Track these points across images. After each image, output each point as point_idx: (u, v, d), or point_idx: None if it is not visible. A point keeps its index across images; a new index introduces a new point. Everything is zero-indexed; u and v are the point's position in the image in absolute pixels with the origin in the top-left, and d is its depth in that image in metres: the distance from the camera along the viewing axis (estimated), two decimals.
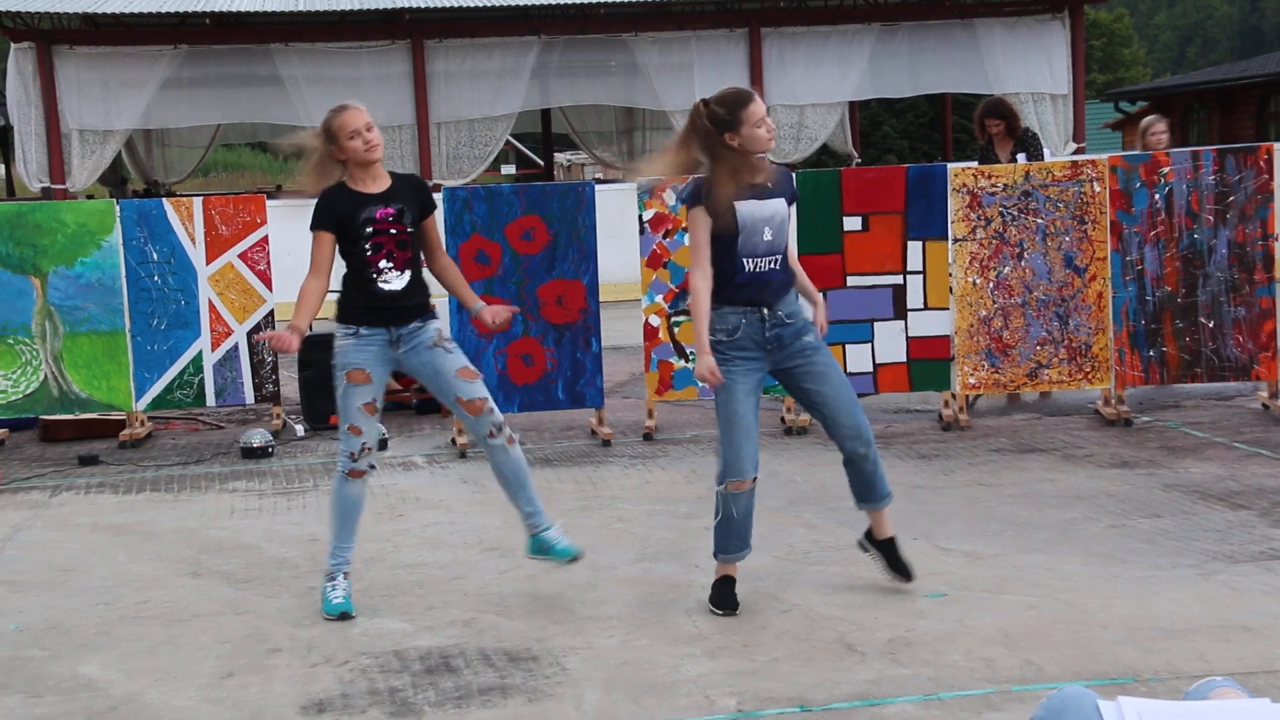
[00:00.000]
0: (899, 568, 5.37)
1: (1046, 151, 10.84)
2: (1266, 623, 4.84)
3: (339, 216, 5.34)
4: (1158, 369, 8.57)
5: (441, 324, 5.52)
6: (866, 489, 5.37)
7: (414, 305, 5.39)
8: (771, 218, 5.11)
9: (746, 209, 5.06)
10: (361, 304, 5.34)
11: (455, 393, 5.39)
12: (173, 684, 4.69)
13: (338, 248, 5.38)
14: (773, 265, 5.13)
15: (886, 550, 5.40)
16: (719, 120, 5.04)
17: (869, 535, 5.46)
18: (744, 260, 5.08)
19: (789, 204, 5.22)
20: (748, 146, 5.04)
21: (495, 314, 5.55)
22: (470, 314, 5.60)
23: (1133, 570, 5.53)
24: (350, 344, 5.34)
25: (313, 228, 5.38)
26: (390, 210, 5.34)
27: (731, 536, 5.22)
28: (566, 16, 20.10)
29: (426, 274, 5.54)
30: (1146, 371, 8.57)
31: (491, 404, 5.42)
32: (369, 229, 5.31)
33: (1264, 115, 29.17)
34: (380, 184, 5.40)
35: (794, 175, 5.34)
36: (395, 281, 5.34)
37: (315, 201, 5.39)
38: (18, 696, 4.63)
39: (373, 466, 5.43)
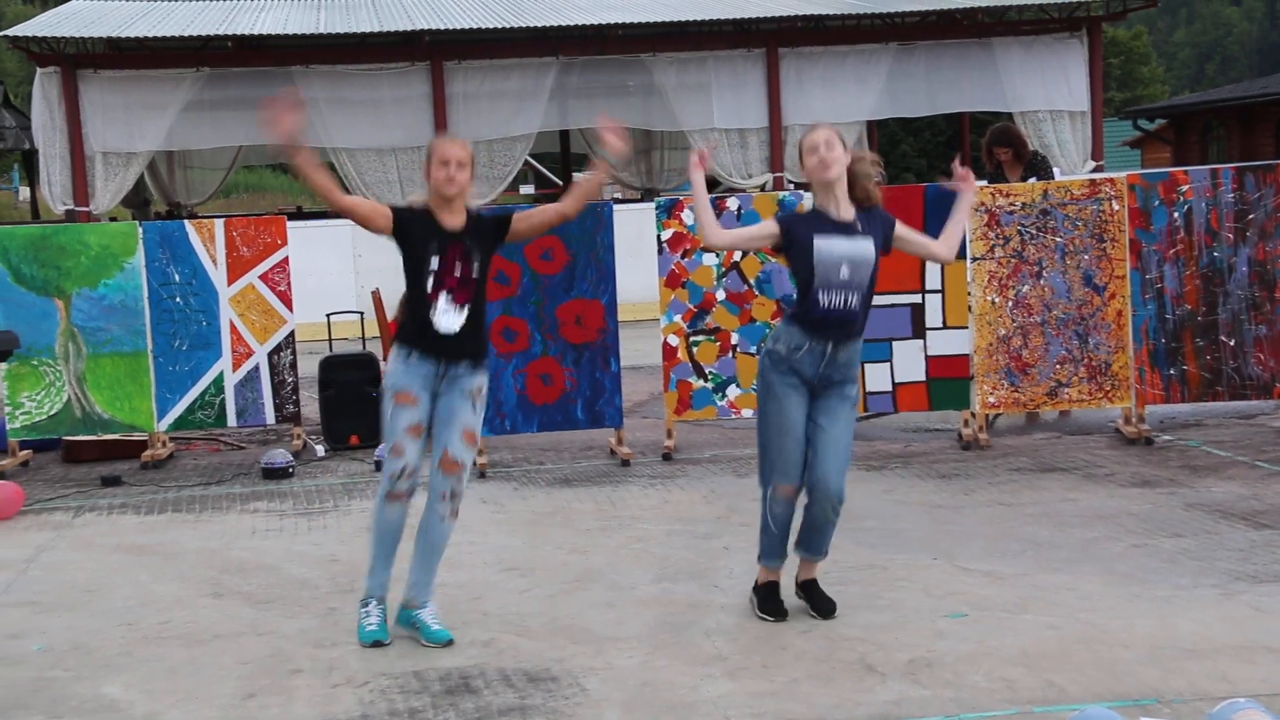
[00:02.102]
0: (820, 606, 5.38)
1: (1056, 171, 10.82)
2: None
3: (410, 229, 5.31)
4: (1178, 387, 8.53)
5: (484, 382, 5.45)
6: (812, 539, 5.40)
7: (468, 349, 5.34)
8: (853, 258, 5.20)
9: (823, 244, 5.20)
10: (416, 332, 5.30)
11: (447, 444, 5.29)
12: (194, 705, 4.69)
13: (403, 264, 5.35)
14: (848, 301, 5.22)
15: (808, 590, 5.45)
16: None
17: (796, 581, 5.49)
18: (820, 294, 5.21)
19: (879, 244, 5.31)
20: (808, 174, 5.28)
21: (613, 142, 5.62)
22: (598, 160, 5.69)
23: (1155, 590, 5.49)
24: (401, 366, 5.30)
25: (391, 205, 5.38)
26: (460, 248, 5.31)
27: (778, 541, 5.34)
28: (585, 37, 20.14)
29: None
30: (1167, 390, 8.53)
31: (464, 474, 5.33)
32: (434, 263, 5.27)
33: None
34: (456, 221, 5.35)
35: (889, 218, 5.43)
36: (452, 321, 5.28)
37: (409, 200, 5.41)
38: (41, 718, 4.64)
39: (414, 489, 5.32)
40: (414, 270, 5.30)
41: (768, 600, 5.36)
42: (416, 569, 5.36)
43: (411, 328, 5.32)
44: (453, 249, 5.29)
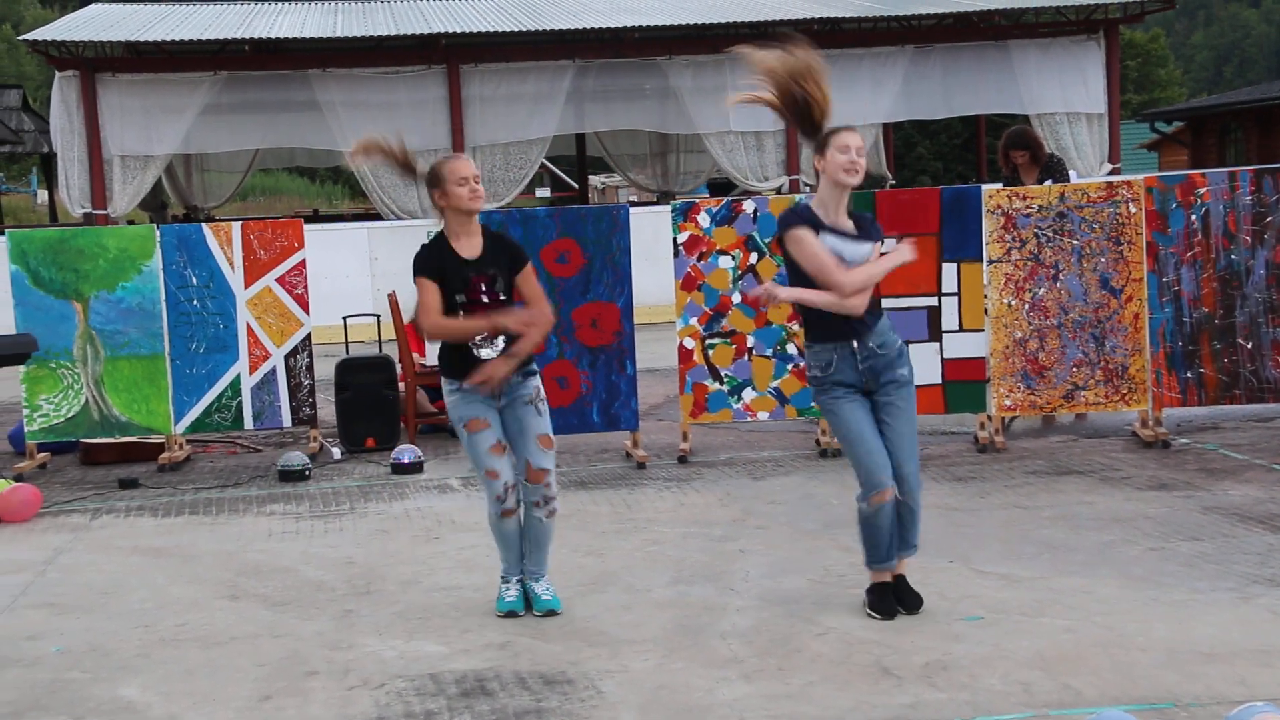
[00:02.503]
0: (907, 602, 5.39)
1: (1073, 174, 10.80)
2: None
3: (443, 269, 5.39)
4: (1195, 390, 8.50)
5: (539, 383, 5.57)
6: (904, 530, 5.39)
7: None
8: (855, 259, 5.23)
9: (834, 244, 5.21)
10: (460, 358, 5.41)
11: (527, 456, 5.47)
12: (211, 706, 4.70)
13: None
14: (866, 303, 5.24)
15: (896, 586, 5.42)
16: (818, 139, 5.34)
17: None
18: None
19: (876, 243, 5.36)
20: (831, 171, 5.25)
21: (494, 370, 5.38)
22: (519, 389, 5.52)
23: (1172, 593, 5.47)
24: (459, 398, 5.43)
25: (417, 275, 5.41)
26: (485, 277, 5.41)
27: (879, 546, 5.33)
28: (601, 41, 20.17)
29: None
30: (1184, 393, 8.50)
31: (551, 479, 5.52)
32: (460, 298, 5.38)
33: None
34: (474, 246, 5.44)
35: (877, 225, 5.49)
36: (489, 349, 5.38)
37: (421, 256, 5.44)
38: (60, 718, 4.65)
39: (519, 503, 5.51)
40: (446, 305, 5.40)
41: (879, 601, 5.34)
42: (531, 561, 5.63)
43: (457, 361, 5.41)
44: (478, 279, 5.40)
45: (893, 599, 5.36)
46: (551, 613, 5.52)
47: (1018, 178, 9.50)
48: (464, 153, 5.43)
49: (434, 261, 5.41)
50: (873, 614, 5.32)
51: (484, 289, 5.41)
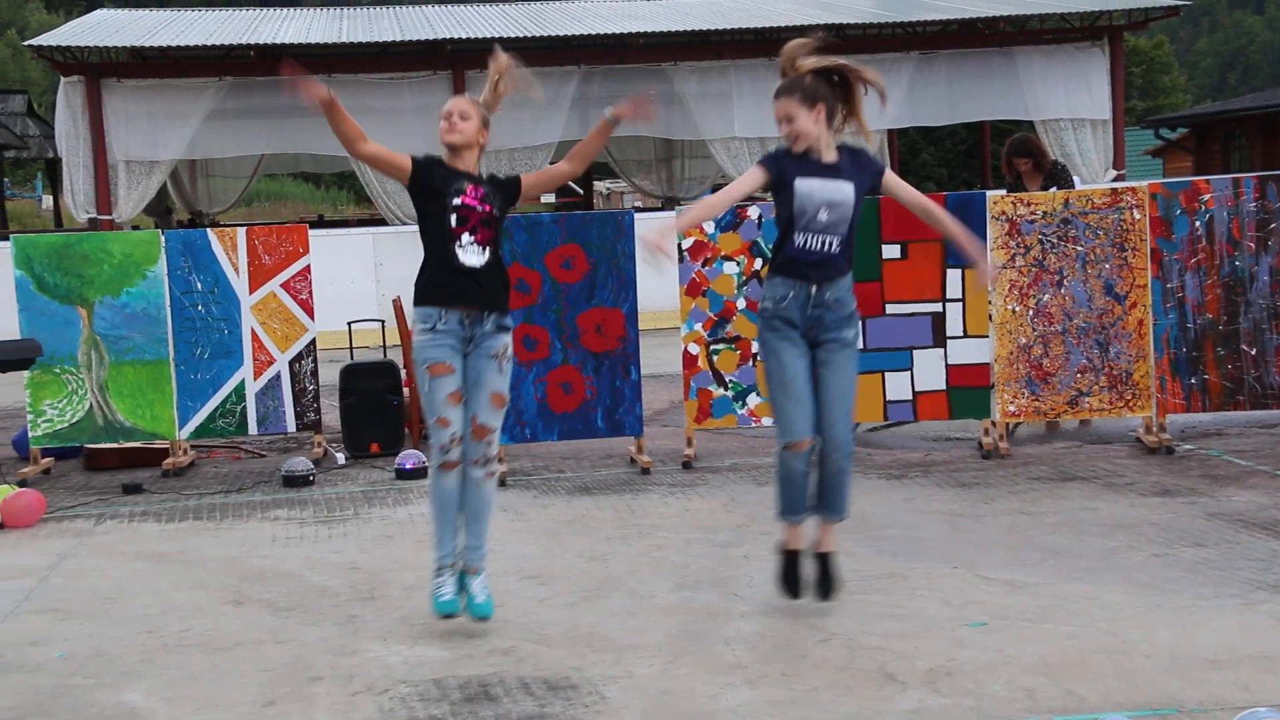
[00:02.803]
0: (825, 584, 5.49)
1: (1076, 180, 10.80)
2: None
3: (430, 175, 5.41)
4: (1199, 396, 8.50)
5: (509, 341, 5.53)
6: (827, 496, 5.47)
7: (493, 292, 5.40)
8: (832, 200, 5.25)
9: (804, 186, 5.25)
10: (440, 279, 5.35)
11: (475, 410, 5.41)
12: (215, 712, 4.70)
13: (419, 220, 5.46)
14: (826, 245, 5.26)
15: (821, 562, 5.51)
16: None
17: (814, 549, 5.58)
18: (796, 235, 5.27)
19: (862, 188, 5.34)
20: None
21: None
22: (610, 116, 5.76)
23: (1176, 600, 5.47)
24: (429, 339, 5.35)
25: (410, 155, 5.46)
26: (481, 190, 5.43)
27: (793, 494, 5.39)
28: (606, 46, 20.20)
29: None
30: (1188, 399, 8.50)
31: (494, 438, 5.45)
32: (456, 199, 5.36)
33: None
34: (472, 168, 5.50)
35: (878, 167, 5.48)
36: (475, 257, 5.36)
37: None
38: None
39: (461, 459, 5.39)
40: (435, 211, 5.37)
41: (786, 571, 5.44)
42: (467, 534, 5.50)
43: (435, 276, 5.35)
44: (474, 187, 5.41)
45: (798, 571, 5.41)
46: (483, 619, 5.39)
47: (1021, 185, 9.50)
48: (460, 97, 5.42)
49: (425, 159, 5.46)
50: (780, 585, 5.42)
51: (480, 197, 5.40)
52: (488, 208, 5.42)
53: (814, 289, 5.29)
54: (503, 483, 8.29)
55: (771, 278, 5.38)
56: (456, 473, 5.41)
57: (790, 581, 5.46)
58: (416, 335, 5.41)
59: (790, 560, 5.48)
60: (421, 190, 5.42)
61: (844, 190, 5.28)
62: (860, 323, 5.52)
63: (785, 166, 5.32)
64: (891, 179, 5.50)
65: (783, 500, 5.46)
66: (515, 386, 8.51)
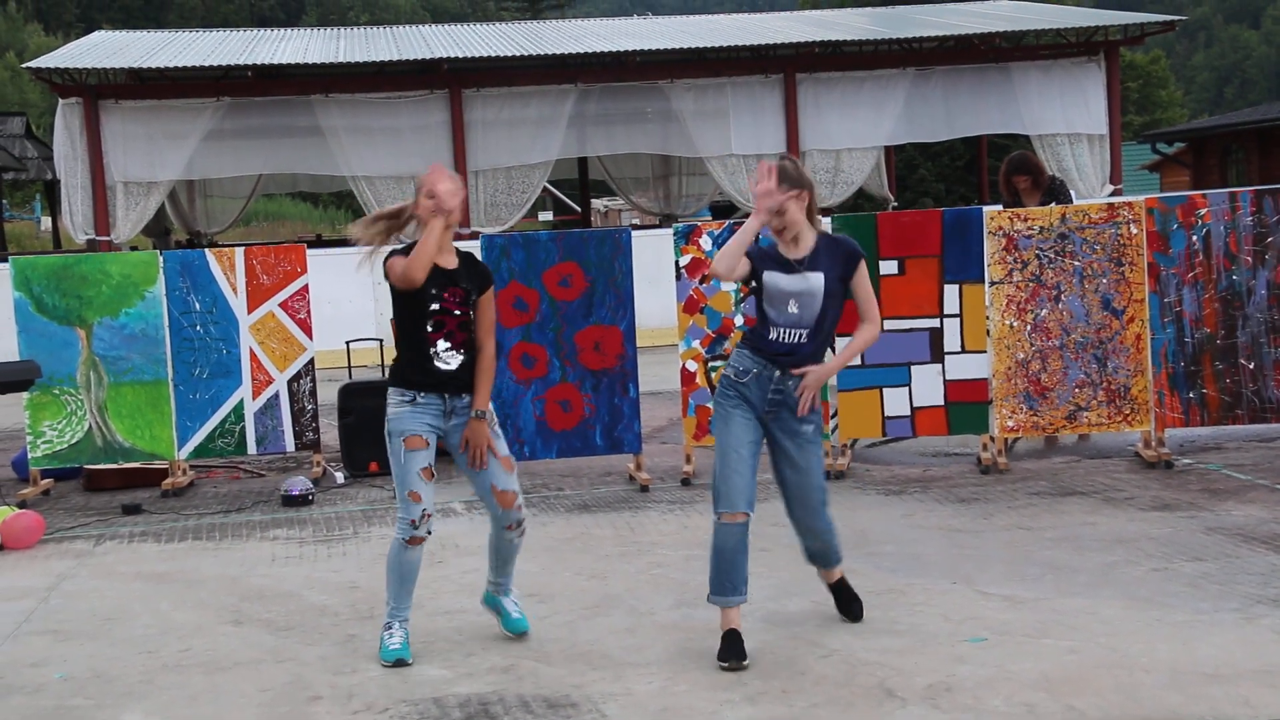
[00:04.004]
0: (846, 608, 5.62)
1: (1074, 196, 10.82)
2: None
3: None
4: (1198, 411, 8.51)
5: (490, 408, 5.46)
6: (818, 560, 5.61)
7: (468, 382, 5.37)
8: (799, 293, 5.23)
9: (771, 279, 5.26)
10: (417, 376, 5.32)
11: (493, 480, 5.40)
12: None
13: (395, 309, 5.37)
14: (797, 338, 5.25)
15: (835, 591, 5.64)
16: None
17: (825, 583, 5.71)
18: (770, 327, 5.28)
19: (834, 279, 5.24)
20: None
21: (475, 442, 5.37)
22: (471, 411, 5.39)
23: (1175, 614, 5.47)
24: (406, 410, 5.30)
25: (390, 253, 5.32)
26: (459, 292, 5.32)
27: (721, 572, 5.21)
28: (603, 65, 20.26)
29: None
30: (1186, 413, 8.51)
31: (521, 499, 5.49)
32: (435, 305, 5.28)
33: None
34: (449, 260, 5.36)
35: (852, 252, 5.34)
36: (452, 361, 5.32)
37: (392, 250, 5.37)
38: None
39: (430, 533, 5.37)
40: (414, 311, 5.30)
41: (726, 646, 5.11)
42: (499, 574, 5.62)
43: (413, 373, 5.32)
44: (452, 291, 5.32)
45: (741, 645, 5.10)
46: (523, 634, 5.53)
47: (1019, 202, 9.50)
48: (451, 173, 5.22)
49: (404, 254, 5.28)
50: (721, 664, 5.06)
51: (459, 300, 5.31)
52: (465, 310, 5.34)
53: (776, 375, 5.26)
54: None
55: (740, 348, 5.36)
56: (421, 549, 5.36)
57: (732, 653, 5.09)
58: (393, 406, 5.33)
59: (727, 639, 5.15)
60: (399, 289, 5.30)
61: (812, 283, 5.23)
62: (825, 407, 5.52)
63: (760, 260, 5.29)
64: (859, 277, 5.34)
65: (713, 576, 5.24)
66: (514, 404, 8.53)
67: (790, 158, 5.41)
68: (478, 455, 5.36)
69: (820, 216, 5.47)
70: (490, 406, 5.43)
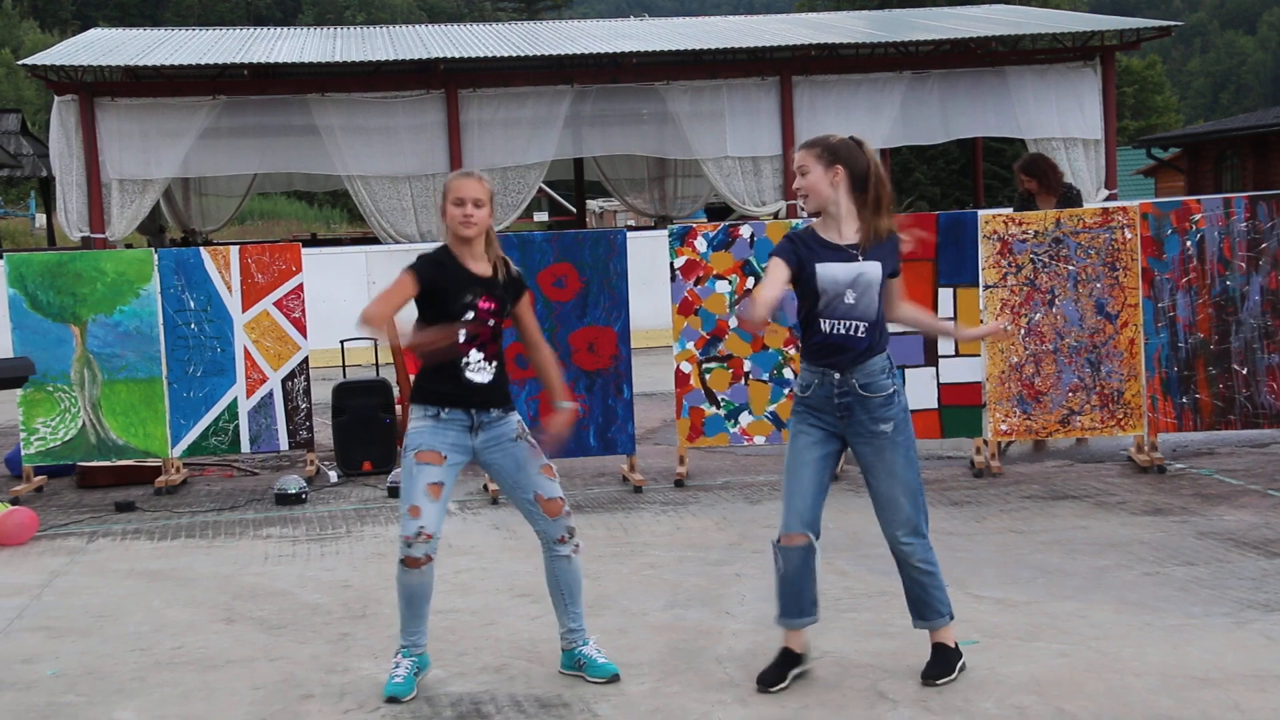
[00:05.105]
0: (929, 670, 4.94)
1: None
2: None
3: (441, 284, 4.92)
4: (1191, 416, 8.53)
5: (519, 417, 5.16)
6: (913, 604, 5.00)
7: (498, 396, 5.05)
8: (855, 281, 4.81)
9: (826, 271, 4.82)
10: (446, 390, 4.96)
11: (536, 489, 5.03)
12: None
13: (423, 317, 4.98)
14: (852, 330, 4.83)
15: (935, 651, 4.99)
16: None
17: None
18: (821, 321, 4.86)
19: (888, 268, 4.89)
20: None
21: (560, 427, 5.21)
22: (552, 404, 5.25)
23: (1166, 618, 5.49)
24: (427, 426, 4.93)
25: (408, 267, 4.92)
26: (493, 304, 5.01)
27: (787, 595, 4.91)
28: (599, 66, 20.27)
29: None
30: (1180, 418, 8.53)
31: (568, 507, 5.12)
32: (469, 315, 4.94)
33: None
34: (482, 267, 5.01)
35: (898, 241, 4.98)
36: (482, 374, 4.99)
37: (426, 252, 5.04)
38: None
39: (433, 553, 4.91)
40: (442, 320, 4.91)
41: (770, 669, 4.91)
42: (567, 617, 5.12)
43: (441, 383, 4.96)
44: (486, 299, 4.98)
45: (783, 670, 4.88)
46: (615, 677, 5.01)
47: (1031, 203, 9.49)
48: (479, 175, 4.91)
49: (431, 269, 4.92)
50: (758, 683, 4.87)
51: (491, 310, 4.98)
52: (499, 320, 5.05)
53: (839, 376, 4.84)
54: (495, 501, 8.30)
55: (802, 364, 4.97)
56: (421, 572, 4.92)
57: (771, 677, 4.88)
58: (414, 422, 4.97)
59: (782, 657, 4.95)
60: (431, 295, 4.93)
61: (870, 270, 4.83)
62: (904, 398, 4.95)
63: (802, 251, 4.84)
64: (898, 280, 5.01)
65: (779, 598, 4.95)
66: None
67: (854, 139, 4.90)
68: (555, 443, 5.13)
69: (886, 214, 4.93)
70: (518, 418, 5.13)
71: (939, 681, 4.83)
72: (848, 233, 4.85)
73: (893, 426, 4.86)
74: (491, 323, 5.02)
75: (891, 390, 4.88)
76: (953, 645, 4.94)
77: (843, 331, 4.84)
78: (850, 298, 4.82)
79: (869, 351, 4.87)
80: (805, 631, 4.97)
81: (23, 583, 6.86)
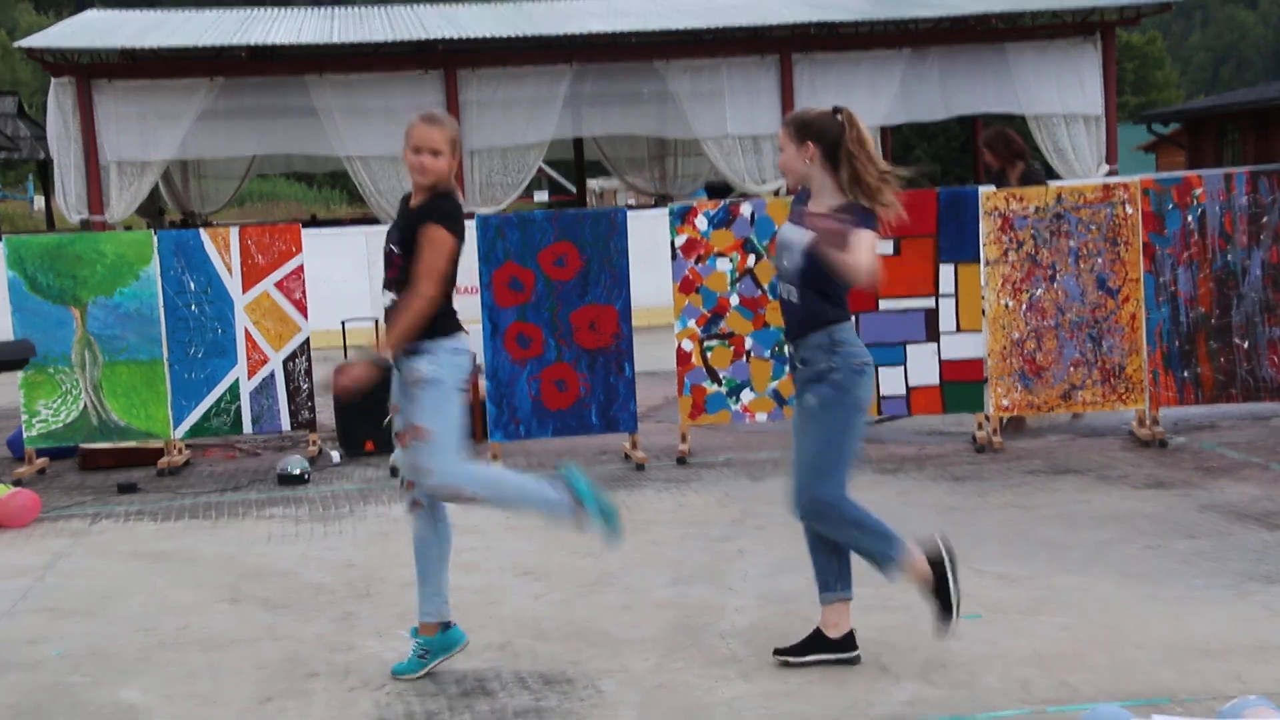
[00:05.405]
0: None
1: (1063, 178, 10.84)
2: None
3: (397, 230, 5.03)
4: (1192, 390, 8.54)
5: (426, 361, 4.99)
6: (821, 571, 4.94)
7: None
8: (788, 245, 4.85)
9: (781, 233, 4.92)
10: (456, 320, 5.04)
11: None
12: (212, 709, 4.73)
13: (449, 266, 4.96)
14: (788, 295, 4.84)
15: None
16: None
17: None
18: (780, 285, 4.92)
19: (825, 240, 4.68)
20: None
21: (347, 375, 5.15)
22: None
23: (1168, 591, 5.50)
24: (464, 358, 4.99)
25: (441, 223, 4.90)
26: (397, 234, 5.02)
27: (817, 569, 4.94)
28: (598, 45, 20.20)
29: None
30: (1181, 392, 8.54)
31: (419, 472, 5.05)
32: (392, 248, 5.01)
33: None
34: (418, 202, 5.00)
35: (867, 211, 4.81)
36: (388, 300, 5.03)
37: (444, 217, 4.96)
38: None
39: (418, 501, 5.07)
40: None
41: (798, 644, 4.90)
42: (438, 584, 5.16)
43: (452, 316, 5.01)
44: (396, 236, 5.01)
45: (804, 643, 4.88)
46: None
47: (1003, 177, 9.50)
48: (440, 122, 4.86)
49: (397, 219, 5.05)
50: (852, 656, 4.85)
51: (395, 241, 5.00)
52: (399, 256, 4.98)
53: (791, 348, 4.89)
54: None
55: None
56: (420, 513, 5.10)
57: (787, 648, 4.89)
58: (454, 354, 5.00)
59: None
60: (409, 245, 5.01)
61: (797, 236, 4.77)
62: (851, 386, 4.77)
63: (791, 217, 4.92)
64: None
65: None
66: (510, 383, 8.54)
67: (836, 109, 4.87)
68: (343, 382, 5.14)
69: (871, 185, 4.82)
70: (415, 366, 5.05)
71: (780, 653, 4.87)
72: (818, 202, 4.83)
73: (818, 404, 4.77)
74: (396, 252, 5.01)
75: (825, 369, 4.76)
76: (822, 629, 4.88)
77: (783, 296, 4.87)
78: (784, 260, 4.83)
79: (805, 323, 4.78)
80: (837, 611, 4.89)
81: (26, 564, 6.88)
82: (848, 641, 4.87)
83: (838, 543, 4.87)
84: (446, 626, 5.04)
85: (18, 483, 8.62)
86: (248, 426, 9.20)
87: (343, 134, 19.16)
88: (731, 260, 8.61)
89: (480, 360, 8.48)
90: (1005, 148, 9.49)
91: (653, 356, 12.07)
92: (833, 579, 4.90)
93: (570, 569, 6.28)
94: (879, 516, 4.86)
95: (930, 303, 8.57)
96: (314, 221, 27.96)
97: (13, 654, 5.42)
